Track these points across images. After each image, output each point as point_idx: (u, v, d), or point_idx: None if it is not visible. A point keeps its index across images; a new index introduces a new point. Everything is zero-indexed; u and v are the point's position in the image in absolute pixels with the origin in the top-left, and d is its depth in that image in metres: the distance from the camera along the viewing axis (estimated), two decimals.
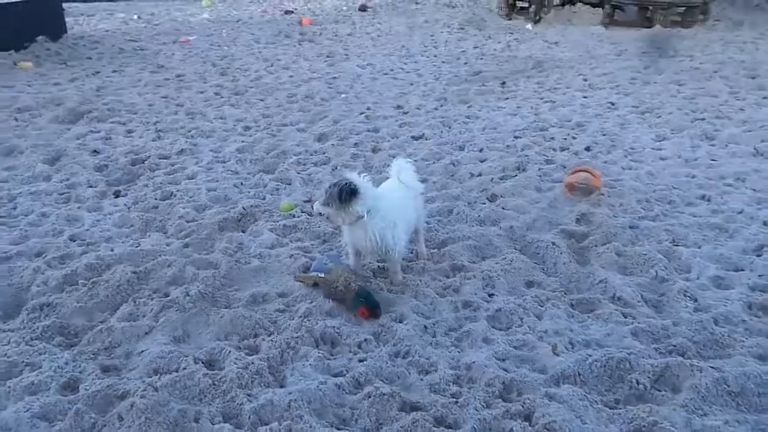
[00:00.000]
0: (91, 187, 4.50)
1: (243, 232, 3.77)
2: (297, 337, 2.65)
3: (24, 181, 4.59)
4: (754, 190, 4.15)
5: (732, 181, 4.31)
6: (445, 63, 8.71)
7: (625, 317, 2.84)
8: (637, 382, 2.38)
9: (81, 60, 8.99)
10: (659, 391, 2.36)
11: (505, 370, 2.47)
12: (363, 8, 14.84)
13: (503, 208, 4.00)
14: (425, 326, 2.78)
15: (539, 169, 4.60)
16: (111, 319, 2.83)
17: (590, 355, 2.51)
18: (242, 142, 5.42)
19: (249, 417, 2.21)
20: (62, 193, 4.38)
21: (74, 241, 3.63)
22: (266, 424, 2.18)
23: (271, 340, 2.64)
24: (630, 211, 3.93)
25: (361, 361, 2.54)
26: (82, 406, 2.23)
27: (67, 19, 11.01)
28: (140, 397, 2.24)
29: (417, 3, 16.15)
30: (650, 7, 10.89)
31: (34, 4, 9.86)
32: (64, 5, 11.37)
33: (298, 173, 4.71)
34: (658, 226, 3.66)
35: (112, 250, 3.47)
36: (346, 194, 2.78)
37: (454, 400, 2.30)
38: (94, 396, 2.30)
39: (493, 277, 3.15)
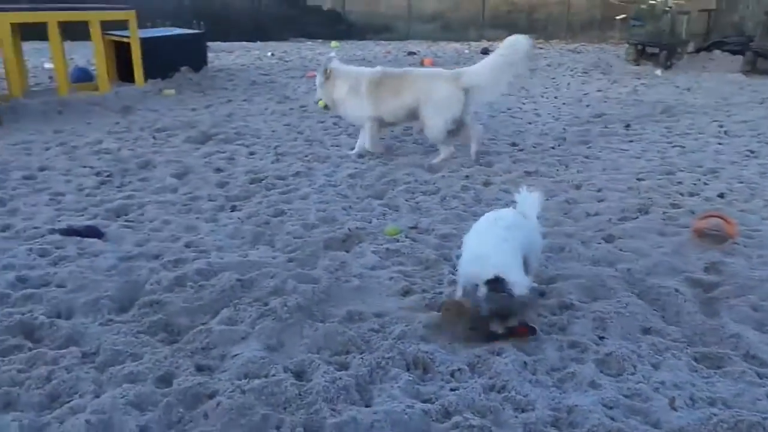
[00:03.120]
0: (210, 200, 4.71)
1: (347, 252, 3.75)
2: (389, 358, 2.55)
3: (154, 192, 4.90)
4: None
5: None
6: (566, 105, 8.44)
7: (761, 378, 2.47)
8: None
9: (217, 90, 9.64)
10: None
11: (612, 418, 2.21)
12: (485, 51, 14.89)
13: (620, 250, 3.71)
14: (525, 362, 2.57)
15: (663, 213, 4.24)
16: (211, 322, 2.87)
17: (715, 415, 2.19)
18: (355, 168, 5.49)
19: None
20: (185, 204, 4.62)
21: (189, 248, 3.79)
22: None
23: (362, 358, 2.55)
24: None
25: (452, 390, 2.38)
26: (172, 400, 2.25)
27: (209, 54, 11.90)
28: (227, 397, 2.23)
29: (540, 48, 15.99)
30: None
31: (182, 39, 10.83)
32: (209, 43, 12.40)
33: (406, 201, 4.67)
34: None
35: (221, 258, 3.57)
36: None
37: None
38: (185, 391, 2.31)
39: (605, 319, 2.89)
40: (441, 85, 5.45)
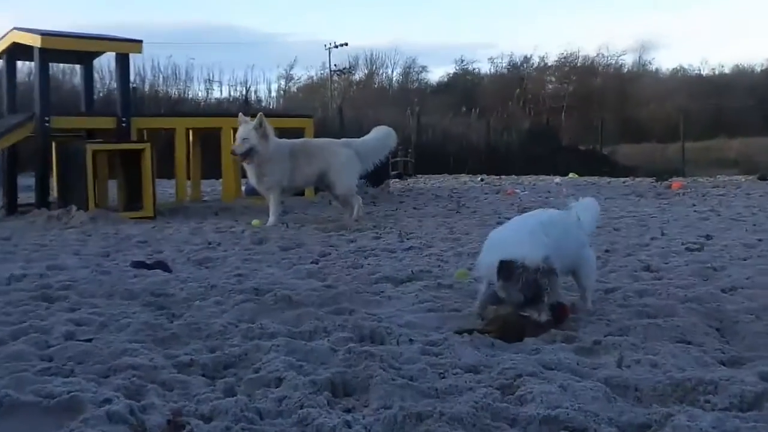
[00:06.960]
0: (299, 258, 5.67)
1: (397, 287, 4.34)
2: (339, 326, 3.10)
3: (255, 252, 6.03)
4: None
5: None
6: None
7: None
8: None
9: (390, 202, 11.07)
10: None
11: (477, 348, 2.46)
12: (763, 177, 14.77)
13: (731, 295, 3.80)
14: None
15: None
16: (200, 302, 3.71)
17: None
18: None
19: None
20: (266, 260, 5.63)
21: (238, 276, 4.71)
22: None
23: (313, 323, 3.15)
24: None
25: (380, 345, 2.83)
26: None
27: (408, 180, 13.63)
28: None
29: None
30: None
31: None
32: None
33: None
34: None
35: (257, 279, 4.45)
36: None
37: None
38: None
39: (630, 327, 3.10)
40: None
